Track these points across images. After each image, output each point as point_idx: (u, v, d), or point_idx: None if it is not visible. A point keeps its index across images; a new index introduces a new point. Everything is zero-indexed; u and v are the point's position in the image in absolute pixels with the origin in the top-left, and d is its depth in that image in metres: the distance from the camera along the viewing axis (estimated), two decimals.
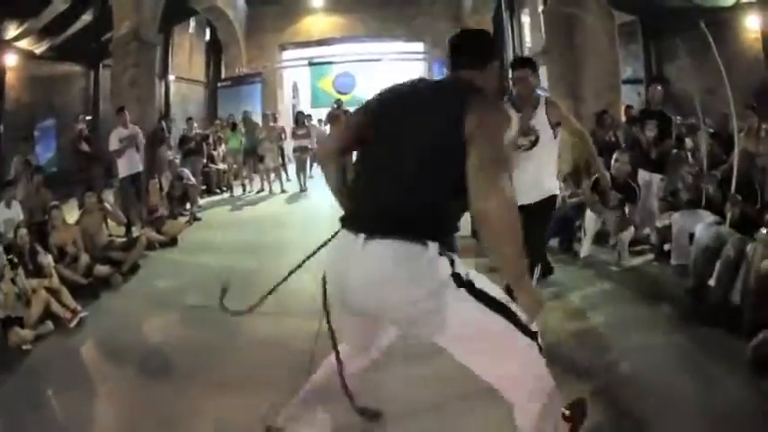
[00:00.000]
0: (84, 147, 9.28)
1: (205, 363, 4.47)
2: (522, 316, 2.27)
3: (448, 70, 2.69)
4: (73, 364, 4.64)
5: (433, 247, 2.23)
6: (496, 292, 2.33)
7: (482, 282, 2.33)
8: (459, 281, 2.27)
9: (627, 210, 6.82)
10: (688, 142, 8.45)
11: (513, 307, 2.30)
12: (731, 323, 4.81)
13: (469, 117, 2.21)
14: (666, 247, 6.78)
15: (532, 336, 2.33)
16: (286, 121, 16.57)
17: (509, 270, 2.19)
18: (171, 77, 16.96)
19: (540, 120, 4.41)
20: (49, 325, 5.17)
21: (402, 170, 2.31)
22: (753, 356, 4.05)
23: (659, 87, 8.13)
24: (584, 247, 7.00)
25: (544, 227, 4.85)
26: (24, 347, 4.79)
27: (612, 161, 6.79)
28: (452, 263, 2.28)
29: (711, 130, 8.03)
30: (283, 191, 13.17)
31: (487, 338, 2.28)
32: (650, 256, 7.08)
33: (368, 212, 2.37)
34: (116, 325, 5.42)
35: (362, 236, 2.26)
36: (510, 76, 4.66)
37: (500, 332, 2.28)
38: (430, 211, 2.29)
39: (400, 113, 2.42)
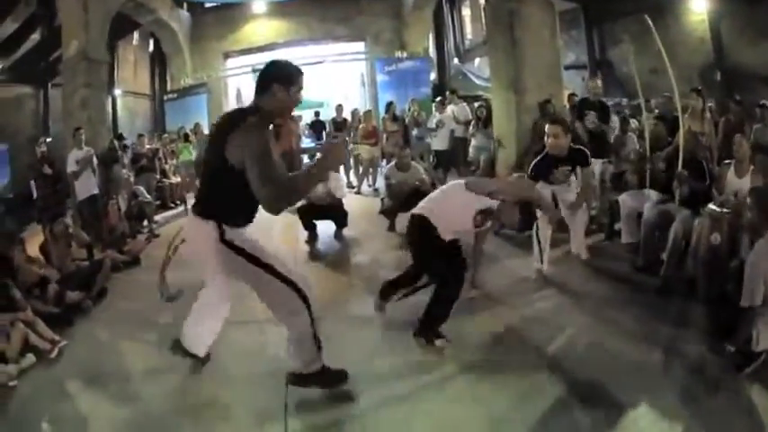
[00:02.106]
0: (47, 170, 9.18)
1: (190, 380, 4.50)
2: (282, 270, 3.56)
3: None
4: (61, 395, 4.56)
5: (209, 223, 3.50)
6: (262, 254, 3.57)
7: (252, 247, 3.56)
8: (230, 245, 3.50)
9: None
10: (633, 123, 8.70)
11: (274, 265, 3.56)
12: (685, 292, 5.18)
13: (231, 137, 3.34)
14: (617, 226, 7.05)
15: (288, 282, 3.57)
16: None
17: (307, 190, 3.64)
18: (117, 92, 16.73)
19: None
20: (32, 357, 5.06)
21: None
22: None
23: (598, 79, 8.38)
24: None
25: None
26: (11, 384, 4.69)
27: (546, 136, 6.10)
28: (222, 233, 3.49)
29: (657, 111, 8.31)
30: None
31: (257, 280, 3.60)
32: (601, 236, 7.36)
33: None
34: (96, 351, 5.35)
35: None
36: None
37: (262, 277, 3.55)
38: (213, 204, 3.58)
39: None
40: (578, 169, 6.38)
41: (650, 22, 6.19)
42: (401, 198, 8.38)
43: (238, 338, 5.13)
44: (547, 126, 6.12)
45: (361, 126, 13.02)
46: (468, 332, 4.88)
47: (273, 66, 3.66)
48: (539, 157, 6.09)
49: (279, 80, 3.50)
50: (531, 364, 4.35)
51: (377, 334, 5.04)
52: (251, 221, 3.71)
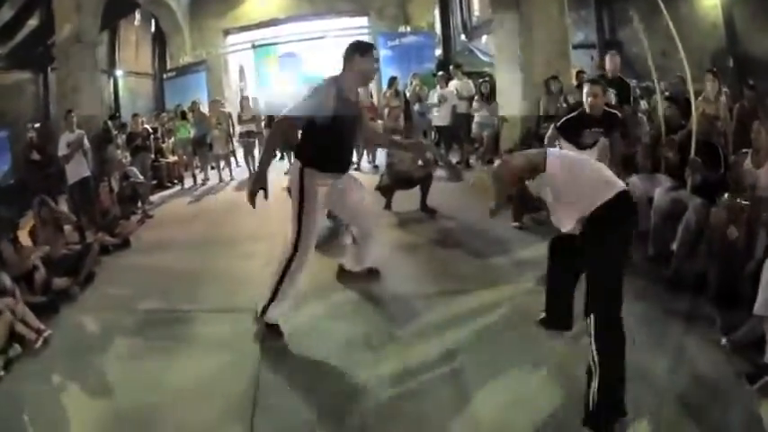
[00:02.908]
0: (36, 155, 9.06)
1: (170, 371, 4.43)
2: (304, 224, 4.42)
3: None
4: (47, 386, 4.48)
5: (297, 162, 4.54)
6: (309, 205, 4.42)
7: (308, 193, 4.41)
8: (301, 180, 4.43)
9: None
10: (643, 104, 8.42)
11: (304, 220, 4.42)
12: (695, 289, 4.87)
13: None
14: None
15: (297, 234, 4.42)
16: (234, 107, 16.22)
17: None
18: (119, 73, 16.86)
19: None
20: (17, 348, 4.95)
21: None
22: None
23: (617, 56, 8.05)
24: None
25: None
26: None
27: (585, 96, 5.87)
28: (302, 176, 4.42)
29: (667, 94, 7.99)
30: (233, 178, 13.05)
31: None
32: None
33: None
34: (81, 341, 5.25)
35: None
36: None
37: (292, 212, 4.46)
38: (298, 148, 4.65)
39: None
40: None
41: (661, 2, 5.90)
42: (401, 176, 8.22)
43: (217, 327, 5.14)
44: (586, 86, 5.96)
45: None
46: (462, 318, 4.79)
47: (354, 42, 4.67)
48: (573, 113, 5.95)
49: (357, 50, 4.51)
50: (531, 357, 4.19)
51: (357, 326, 4.84)
52: (336, 170, 4.63)
